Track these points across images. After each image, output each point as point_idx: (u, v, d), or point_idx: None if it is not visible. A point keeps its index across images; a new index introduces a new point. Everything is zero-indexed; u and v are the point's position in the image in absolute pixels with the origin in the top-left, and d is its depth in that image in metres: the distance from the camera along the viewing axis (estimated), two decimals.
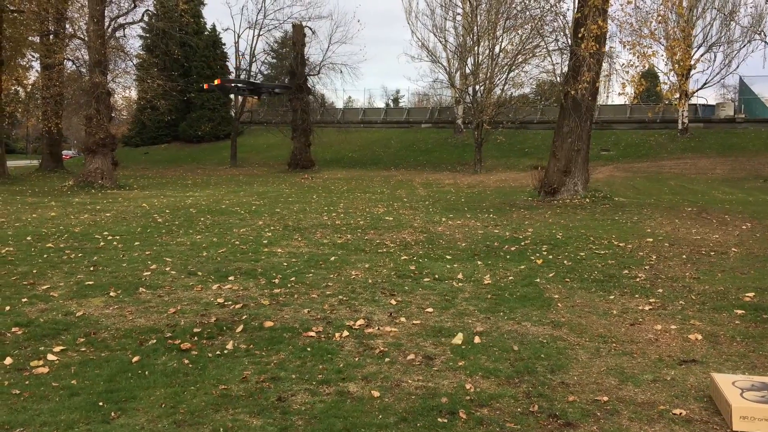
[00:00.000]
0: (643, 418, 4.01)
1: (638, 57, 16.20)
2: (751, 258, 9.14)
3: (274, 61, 46.73)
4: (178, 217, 13.98)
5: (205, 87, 35.81)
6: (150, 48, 41.98)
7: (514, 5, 24.25)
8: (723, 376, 4.31)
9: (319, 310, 6.44)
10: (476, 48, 32.51)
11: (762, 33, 31.12)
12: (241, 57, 40.49)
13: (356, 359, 5.05)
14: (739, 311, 6.34)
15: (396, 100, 64.55)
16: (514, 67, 27.74)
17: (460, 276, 8.04)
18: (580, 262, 8.93)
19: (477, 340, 5.47)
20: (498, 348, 5.29)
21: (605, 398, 4.28)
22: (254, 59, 40.66)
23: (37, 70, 33.02)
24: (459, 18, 36.28)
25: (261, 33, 40.24)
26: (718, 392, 4.10)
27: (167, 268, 8.46)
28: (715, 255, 9.38)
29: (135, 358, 5.02)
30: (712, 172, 28.03)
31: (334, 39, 40.70)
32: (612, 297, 7.03)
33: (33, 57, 31.51)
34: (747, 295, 6.96)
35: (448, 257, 9.37)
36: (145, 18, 30.85)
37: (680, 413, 4.05)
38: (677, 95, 25.89)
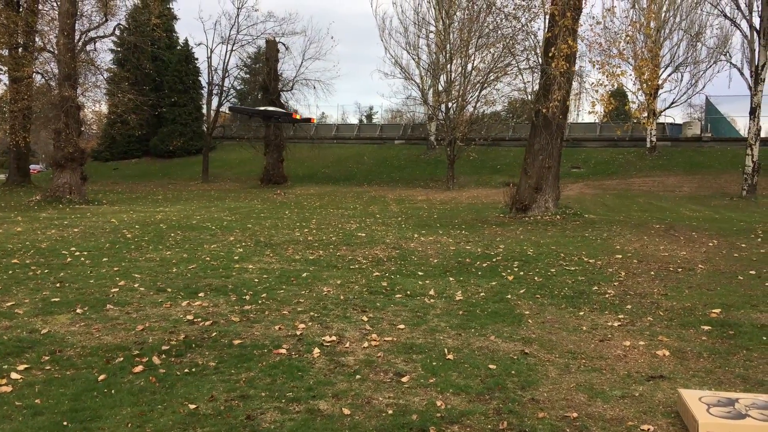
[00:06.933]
0: None
1: (607, 76, 16.49)
2: (717, 275, 9.29)
3: (248, 76, 46.61)
4: (147, 233, 13.82)
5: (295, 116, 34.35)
6: (121, 62, 41.69)
7: (486, 24, 24.57)
8: (690, 392, 4.36)
9: (290, 327, 6.39)
10: (449, 66, 32.79)
11: (727, 54, 31.87)
12: (213, 72, 40.30)
13: (327, 376, 5.01)
14: (706, 327, 6.44)
15: (369, 117, 64.65)
16: (486, 84, 28.02)
17: (431, 292, 8.05)
18: (551, 279, 9.00)
19: (448, 356, 5.47)
20: (469, 364, 5.29)
21: (575, 414, 4.30)
22: (227, 74, 40.54)
23: (5, 84, 32.54)
24: (432, 36, 36.60)
25: (234, 48, 40.14)
26: (685, 408, 4.14)
27: (136, 285, 8.35)
28: (683, 272, 9.52)
29: (101, 377, 4.93)
30: (679, 189, 28.52)
31: (308, 55, 40.64)
32: (582, 313, 7.09)
33: (1, 70, 31.05)
34: (713, 311, 7.07)
35: (420, 273, 9.38)
36: (117, 32, 30.63)
37: (648, 429, 4.08)
38: (645, 114, 26.42)
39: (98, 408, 4.35)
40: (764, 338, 6.05)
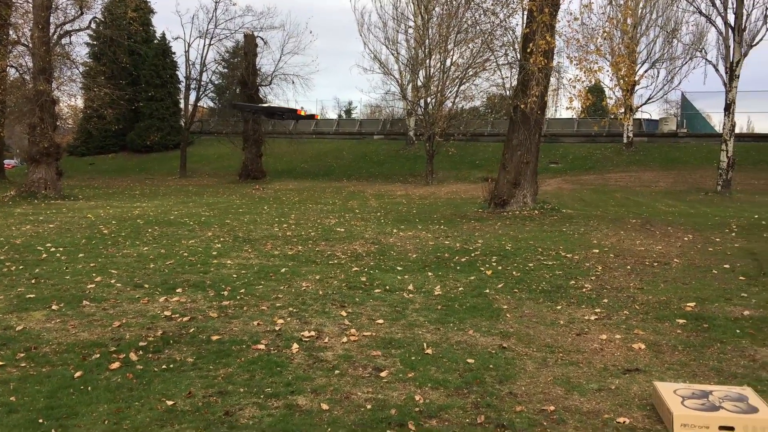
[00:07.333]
0: (588, 426, 4.08)
1: (585, 72, 16.57)
2: (692, 269, 9.42)
3: (226, 70, 46.27)
4: (124, 229, 13.69)
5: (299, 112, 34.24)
6: (97, 56, 41.16)
7: (464, 20, 24.59)
8: (665, 385, 4.42)
9: (269, 323, 6.38)
10: (428, 61, 32.81)
11: (703, 50, 32.20)
12: (191, 66, 39.96)
13: (306, 372, 5.01)
14: (681, 321, 6.52)
15: (348, 112, 64.51)
16: (464, 80, 28.10)
17: (410, 287, 8.07)
18: (529, 273, 9.06)
19: (427, 351, 5.50)
20: (447, 359, 5.32)
21: (552, 408, 4.34)
22: (205, 69, 40.19)
23: None
24: (411, 31, 36.59)
25: (212, 42, 39.78)
26: (660, 400, 4.20)
27: (112, 281, 8.28)
28: (658, 266, 9.63)
29: (77, 374, 4.89)
30: (655, 184, 28.81)
31: (286, 50, 40.61)
32: (559, 307, 7.15)
33: None
34: (688, 305, 7.17)
35: (399, 268, 9.40)
36: (92, 25, 30.20)
37: (624, 421, 4.14)
38: (622, 110, 26.61)
39: (74, 405, 4.32)
40: (738, 331, 6.15)
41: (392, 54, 37.82)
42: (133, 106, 41.39)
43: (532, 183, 18.06)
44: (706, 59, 27.89)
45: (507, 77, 19.97)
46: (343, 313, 6.77)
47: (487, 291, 7.91)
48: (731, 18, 24.89)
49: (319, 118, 38.03)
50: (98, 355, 5.32)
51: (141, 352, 5.41)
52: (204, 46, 39.94)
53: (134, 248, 11.02)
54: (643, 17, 35.50)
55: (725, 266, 9.53)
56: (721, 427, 3.91)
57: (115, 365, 5.08)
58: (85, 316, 6.57)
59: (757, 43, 24.82)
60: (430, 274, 9.01)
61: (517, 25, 21.40)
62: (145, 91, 43.78)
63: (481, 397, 4.52)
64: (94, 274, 8.67)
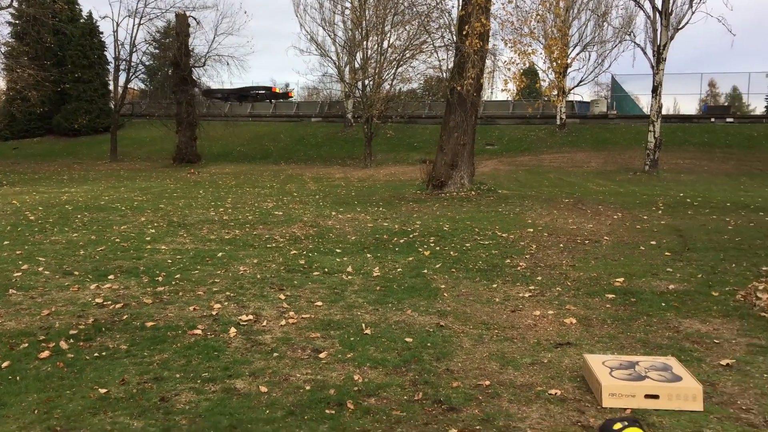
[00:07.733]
0: (521, 399, 4.19)
1: (519, 55, 16.80)
2: (621, 246, 9.73)
3: (157, 51, 44.97)
4: (52, 215, 13.24)
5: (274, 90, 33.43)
6: (20, 35, 39.34)
7: (401, 1, 24.58)
8: (594, 357, 4.57)
9: (206, 308, 6.30)
10: (365, 43, 32.66)
11: (632, 34, 32.99)
12: (120, 47, 38.69)
13: (244, 355, 4.98)
14: (610, 296, 6.75)
15: (285, 94, 63.77)
16: (402, 62, 28.09)
17: (349, 269, 8.09)
18: (466, 253, 9.20)
19: (366, 331, 5.53)
20: (386, 338, 5.37)
21: (487, 382, 4.44)
22: (135, 49, 38.97)
23: None
24: (348, 12, 36.31)
25: (142, 22, 38.48)
26: (590, 372, 4.35)
27: (40, 268, 8.01)
28: (590, 243, 9.92)
29: (4, 363, 4.73)
30: (587, 165, 29.55)
31: (220, 30, 39.62)
32: (495, 285, 7.29)
33: None
34: (617, 280, 7.42)
35: (338, 251, 9.40)
36: (14, 4, 28.88)
37: (555, 393, 4.27)
38: (555, 92, 27.16)
39: (2, 395, 4.19)
40: (663, 304, 6.40)
41: (329, 35, 37.50)
42: (59, 87, 39.91)
43: (469, 164, 18.28)
44: (635, 42, 28.64)
45: (443, 59, 20.07)
46: (282, 296, 6.74)
47: (425, 271, 7.99)
48: (659, 2, 25.60)
49: (293, 96, 37.52)
50: (26, 345, 5.16)
51: (72, 341, 5.27)
52: (133, 25, 38.58)
53: (63, 235, 10.69)
54: (575, 1, 36.16)
55: (652, 243, 9.88)
56: (646, 396, 4.07)
57: (45, 354, 4.93)
58: (11, 305, 6.35)
59: (683, 26, 25.62)
60: (368, 255, 9.05)
61: (453, 7, 21.59)
62: (71, 73, 42.16)
63: (419, 375, 4.58)
64: (20, 262, 8.37)
